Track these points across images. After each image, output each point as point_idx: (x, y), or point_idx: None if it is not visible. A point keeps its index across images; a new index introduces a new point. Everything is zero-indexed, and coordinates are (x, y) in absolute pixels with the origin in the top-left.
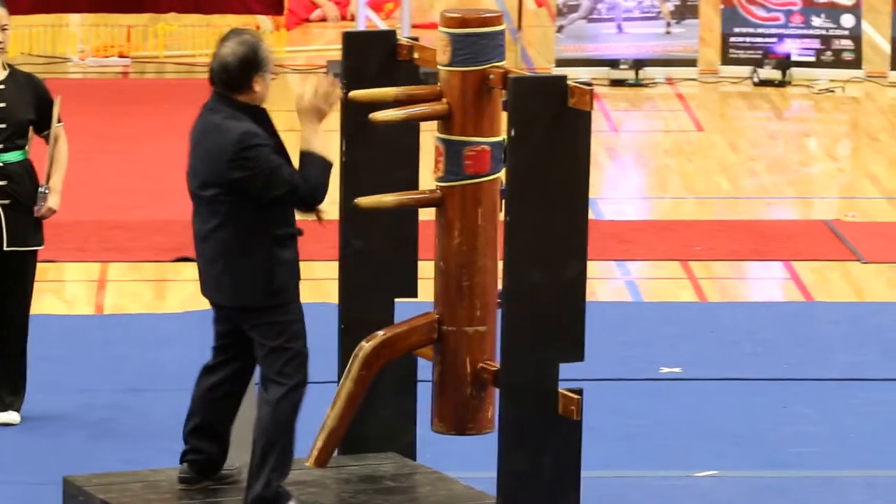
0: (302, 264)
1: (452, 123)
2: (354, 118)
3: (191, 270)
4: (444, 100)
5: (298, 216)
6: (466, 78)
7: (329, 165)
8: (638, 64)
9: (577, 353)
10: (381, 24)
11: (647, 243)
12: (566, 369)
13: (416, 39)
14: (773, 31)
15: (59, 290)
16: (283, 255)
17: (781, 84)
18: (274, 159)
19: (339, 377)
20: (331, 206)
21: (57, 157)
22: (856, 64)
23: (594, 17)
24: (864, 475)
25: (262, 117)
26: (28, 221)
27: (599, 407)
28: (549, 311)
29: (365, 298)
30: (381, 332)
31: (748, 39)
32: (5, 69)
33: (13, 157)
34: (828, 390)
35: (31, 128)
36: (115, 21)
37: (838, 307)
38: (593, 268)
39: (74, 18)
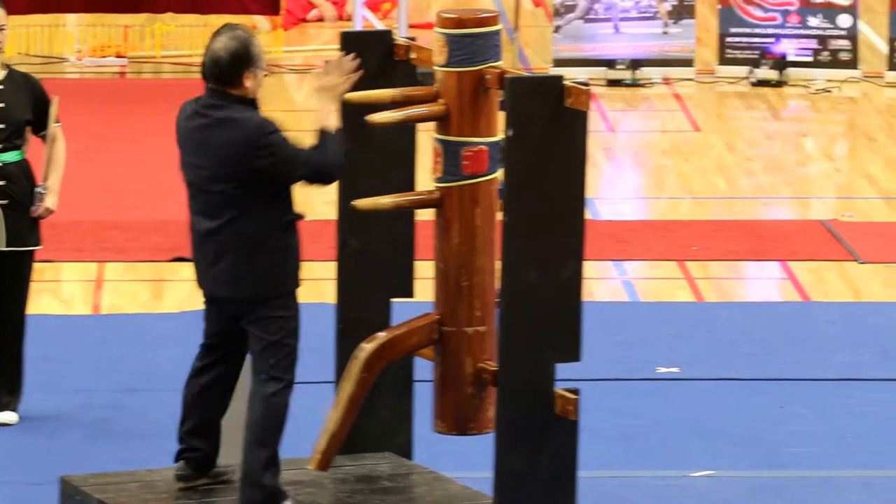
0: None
1: (450, 124)
2: (351, 119)
3: (188, 270)
4: (441, 100)
5: None
6: (463, 78)
7: (345, 141)
8: (635, 64)
9: (574, 353)
10: (378, 24)
11: (644, 243)
12: (563, 369)
13: (413, 39)
14: (770, 31)
15: (56, 290)
16: (292, 240)
17: (778, 84)
18: (290, 143)
19: (337, 377)
20: (328, 206)
21: (54, 157)
22: (852, 64)
23: (591, 17)
24: (861, 475)
25: (258, 109)
26: (26, 221)
27: (596, 407)
28: (546, 310)
29: (362, 299)
30: (381, 334)
31: (745, 39)
32: (3, 69)
33: (11, 157)
34: (825, 390)
35: (28, 128)
36: (112, 21)
37: (835, 307)
38: (590, 268)
39: (71, 18)
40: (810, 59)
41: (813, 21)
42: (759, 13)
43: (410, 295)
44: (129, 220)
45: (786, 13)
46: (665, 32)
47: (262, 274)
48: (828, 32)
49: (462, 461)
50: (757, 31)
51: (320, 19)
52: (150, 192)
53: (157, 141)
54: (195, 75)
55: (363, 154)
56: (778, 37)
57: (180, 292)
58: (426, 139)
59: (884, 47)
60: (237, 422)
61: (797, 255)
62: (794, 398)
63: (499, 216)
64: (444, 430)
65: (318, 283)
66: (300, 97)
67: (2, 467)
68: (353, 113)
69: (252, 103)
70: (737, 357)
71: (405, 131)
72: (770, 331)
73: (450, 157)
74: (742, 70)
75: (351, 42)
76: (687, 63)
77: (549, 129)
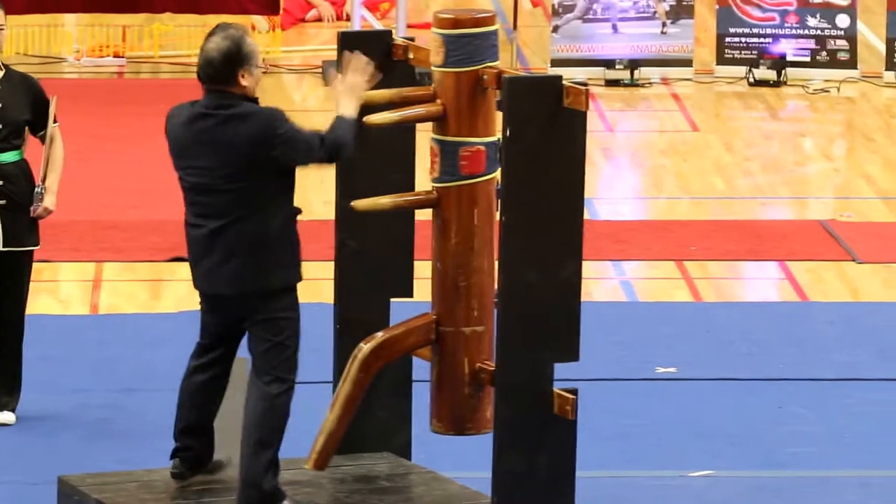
0: None
1: (447, 124)
2: None
3: (186, 270)
4: (439, 101)
5: None
6: (460, 78)
7: (359, 127)
8: (633, 64)
9: (572, 353)
10: (377, 24)
11: (643, 243)
12: (561, 369)
13: (411, 39)
14: (769, 31)
15: (55, 290)
16: (295, 233)
17: (777, 84)
18: (301, 129)
19: (335, 377)
20: (327, 207)
21: (53, 157)
22: (851, 64)
23: (589, 17)
24: (860, 475)
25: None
26: (24, 222)
27: (595, 407)
28: (544, 310)
29: (361, 299)
30: (379, 334)
31: (743, 40)
32: (1, 69)
33: (9, 157)
34: (823, 390)
35: (26, 128)
36: (111, 21)
37: (833, 307)
38: (588, 268)
39: (70, 18)
40: (808, 59)
41: (811, 21)
42: (757, 13)
43: (409, 295)
44: (127, 220)
45: (784, 13)
46: (663, 32)
47: (271, 268)
48: (826, 32)
49: (460, 461)
50: (755, 31)
51: (319, 19)
52: (148, 192)
53: (156, 141)
54: (193, 75)
55: (362, 154)
56: (776, 37)
57: (178, 292)
58: (425, 139)
59: (882, 47)
60: (236, 422)
61: (795, 255)
62: (792, 398)
63: (497, 216)
64: (441, 430)
65: (316, 284)
66: (299, 97)
67: (0, 467)
68: None
69: (254, 101)
70: (735, 357)
71: (404, 131)
72: (768, 331)
73: (447, 157)
74: (740, 70)
75: (349, 42)
76: (685, 63)
77: (547, 129)
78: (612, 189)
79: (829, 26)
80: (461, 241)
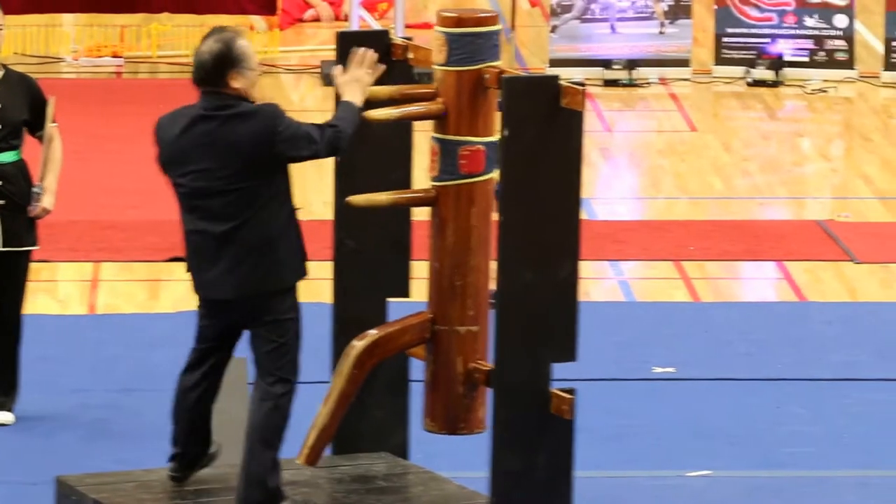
0: None
1: (447, 123)
2: None
3: (184, 270)
4: (440, 99)
5: None
6: (462, 77)
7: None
8: (631, 64)
9: (570, 353)
10: (375, 24)
11: (641, 243)
12: (559, 369)
13: (410, 39)
14: (767, 31)
15: (53, 290)
16: (298, 229)
17: (774, 84)
18: (296, 121)
19: None
20: (326, 206)
21: (51, 157)
22: (849, 64)
23: (588, 17)
24: (858, 475)
25: None
26: (22, 222)
27: (592, 407)
28: (542, 310)
29: (359, 298)
30: (373, 331)
31: (741, 40)
32: (0, 69)
33: (7, 157)
34: (821, 390)
35: (25, 128)
36: (109, 21)
37: (831, 307)
38: (586, 268)
39: (68, 18)
40: (806, 59)
41: (809, 21)
42: (755, 13)
43: (407, 294)
44: (125, 220)
45: (782, 13)
46: (661, 32)
47: (276, 269)
48: (824, 33)
49: (458, 461)
50: (753, 31)
51: (317, 19)
52: (146, 192)
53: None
54: (191, 75)
55: (360, 151)
56: (774, 37)
57: (176, 292)
58: (424, 138)
59: (880, 47)
60: (235, 422)
61: (793, 256)
62: (790, 398)
63: (494, 216)
64: (433, 429)
65: (314, 283)
66: (296, 97)
67: None
68: None
69: (251, 101)
70: (733, 357)
71: (402, 130)
72: (766, 331)
73: (447, 156)
74: (738, 70)
75: (348, 42)
76: (683, 63)
77: (544, 128)
78: (610, 189)
79: (827, 26)
80: (458, 240)
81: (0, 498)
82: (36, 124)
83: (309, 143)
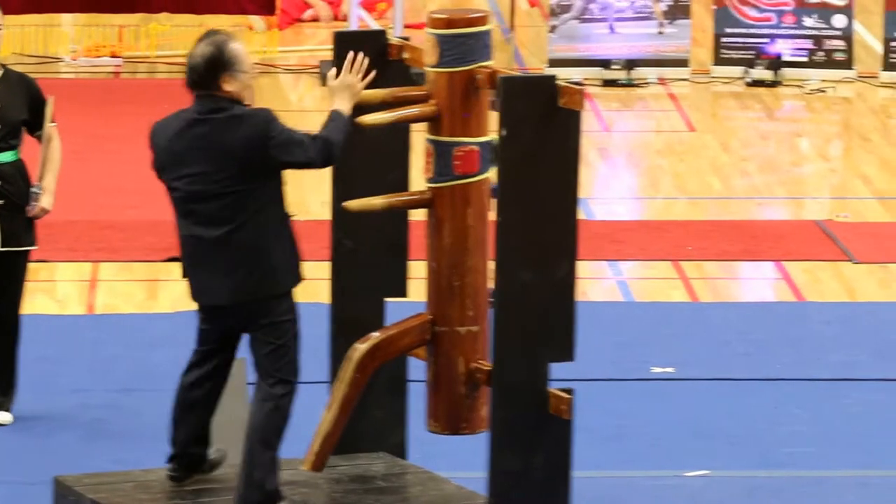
0: None
1: (441, 124)
2: None
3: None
4: (433, 101)
5: None
6: (454, 78)
7: (350, 127)
8: (630, 64)
9: (568, 353)
10: (374, 24)
11: (639, 243)
12: (557, 369)
13: (406, 39)
14: (765, 31)
15: (51, 290)
16: (292, 235)
17: (773, 84)
18: (290, 128)
19: (331, 377)
20: (324, 207)
21: (50, 157)
22: (847, 64)
23: (586, 17)
24: (857, 475)
25: None
26: (21, 222)
27: (591, 407)
28: (540, 310)
29: (356, 299)
30: (374, 335)
31: (740, 40)
32: None
33: (6, 157)
34: (820, 390)
35: (24, 128)
36: (107, 21)
37: (830, 307)
38: (585, 268)
39: (66, 18)
40: (805, 59)
41: (808, 21)
42: (754, 13)
43: (404, 295)
44: (124, 220)
45: (781, 13)
46: (660, 32)
47: (271, 274)
48: (823, 33)
49: (456, 461)
50: (752, 31)
51: (316, 19)
52: (145, 192)
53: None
54: None
55: (356, 154)
56: (773, 37)
57: (175, 292)
58: (420, 139)
59: (879, 47)
60: (235, 422)
61: (792, 256)
62: (789, 398)
63: (491, 216)
64: (436, 430)
65: (312, 284)
66: (295, 97)
67: None
68: None
69: (244, 105)
70: (732, 357)
71: (398, 131)
72: (765, 331)
73: (441, 157)
74: (737, 70)
75: (344, 42)
76: (682, 63)
77: (542, 128)
78: (608, 189)
79: (826, 26)
80: (455, 241)
81: None
82: (35, 124)
83: (303, 150)
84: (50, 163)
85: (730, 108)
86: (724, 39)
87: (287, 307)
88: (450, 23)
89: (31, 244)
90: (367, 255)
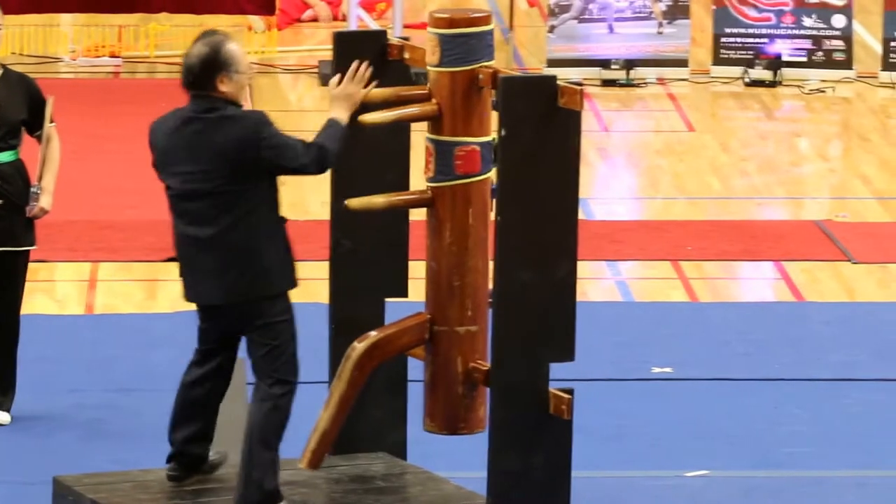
0: None
1: (442, 124)
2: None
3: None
4: (434, 100)
5: None
6: (456, 78)
7: (346, 135)
8: (629, 64)
9: (567, 353)
10: (373, 24)
11: (638, 243)
12: (557, 369)
13: (406, 39)
14: (765, 31)
15: (50, 290)
16: (286, 238)
17: (772, 84)
18: (283, 132)
19: (330, 377)
20: (324, 207)
21: (49, 157)
22: (847, 64)
23: (586, 17)
24: (856, 475)
25: None
26: (20, 222)
27: (591, 407)
28: (539, 310)
29: (356, 298)
30: (372, 334)
31: (739, 40)
32: None
33: (5, 157)
34: (819, 390)
35: (23, 128)
36: (107, 21)
37: (829, 307)
38: (584, 268)
39: (66, 18)
40: (804, 59)
41: (807, 21)
42: (753, 13)
43: (404, 294)
44: (123, 220)
45: (780, 13)
46: (660, 32)
47: (264, 276)
48: (822, 33)
49: (456, 461)
50: (751, 31)
51: (315, 19)
52: (144, 192)
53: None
54: None
55: (357, 154)
56: (772, 37)
57: (174, 292)
58: (420, 139)
59: (878, 47)
60: (235, 422)
61: (791, 256)
62: (788, 398)
63: (491, 216)
64: (434, 430)
65: (311, 284)
66: (294, 97)
67: None
68: None
69: (238, 107)
70: (731, 357)
71: (399, 131)
72: (764, 331)
73: (442, 156)
74: (736, 70)
75: (344, 42)
76: (681, 63)
77: (542, 128)
78: (607, 189)
79: (825, 26)
80: (455, 241)
81: None
82: (34, 124)
83: (295, 155)
84: (49, 163)
85: (729, 108)
86: (724, 39)
87: (281, 308)
88: (452, 22)
89: (31, 244)
90: (367, 255)
